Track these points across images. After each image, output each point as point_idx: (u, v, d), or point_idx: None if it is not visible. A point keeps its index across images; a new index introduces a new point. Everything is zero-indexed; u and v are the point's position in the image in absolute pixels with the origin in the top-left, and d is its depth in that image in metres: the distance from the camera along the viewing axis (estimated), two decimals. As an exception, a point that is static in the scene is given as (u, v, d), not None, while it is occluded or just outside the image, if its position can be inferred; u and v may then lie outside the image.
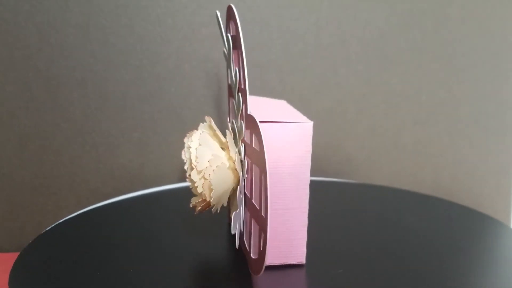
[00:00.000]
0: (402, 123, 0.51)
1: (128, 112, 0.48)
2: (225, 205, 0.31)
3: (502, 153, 0.53)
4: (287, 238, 0.30)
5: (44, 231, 0.37)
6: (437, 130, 0.52)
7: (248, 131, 0.29)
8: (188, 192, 0.44)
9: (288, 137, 0.29)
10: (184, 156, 0.30)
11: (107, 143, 0.48)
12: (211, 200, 0.29)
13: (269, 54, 0.48)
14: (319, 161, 0.51)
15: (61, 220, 0.39)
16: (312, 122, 0.29)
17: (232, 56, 0.30)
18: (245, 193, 0.30)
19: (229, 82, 0.32)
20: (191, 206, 0.30)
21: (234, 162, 0.29)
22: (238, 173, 0.29)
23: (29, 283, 0.30)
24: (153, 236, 0.36)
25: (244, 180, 0.29)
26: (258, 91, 0.48)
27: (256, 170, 0.29)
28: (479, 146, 0.53)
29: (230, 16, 0.31)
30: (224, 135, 0.37)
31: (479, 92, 0.52)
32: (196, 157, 0.29)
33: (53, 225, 0.38)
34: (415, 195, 0.44)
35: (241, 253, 0.33)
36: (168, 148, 0.49)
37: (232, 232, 0.27)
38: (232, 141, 0.30)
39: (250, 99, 0.35)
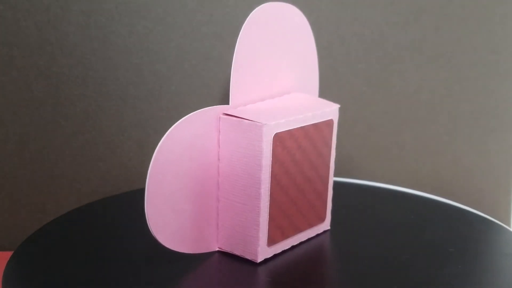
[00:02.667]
0: (402, 121, 0.52)
1: (128, 111, 0.48)
2: None
3: (502, 152, 0.53)
4: (241, 231, 0.32)
5: (37, 229, 0.37)
6: (437, 128, 0.52)
7: None
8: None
9: (242, 133, 0.30)
10: None
11: (107, 141, 0.48)
12: None
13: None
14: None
15: (57, 217, 0.39)
16: (265, 124, 0.30)
17: None
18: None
19: None
20: None
21: None
22: None
23: (23, 282, 0.30)
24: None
25: None
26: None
27: None
28: (479, 144, 0.53)
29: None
30: None
31: (479, 90, 0.52)
32: None
33: (46, 223, 0.38)
34: (414, 197, 0.44)
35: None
36: (168, 146, 0.49)
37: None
38: None
39: (292, 96, 0.36)
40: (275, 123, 0.30)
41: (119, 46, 0.47)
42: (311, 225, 0.35)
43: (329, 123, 0.34)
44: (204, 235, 0.32)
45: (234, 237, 0.32)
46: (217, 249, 0.33)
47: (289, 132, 0.31)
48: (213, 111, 0.31)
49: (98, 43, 0.46)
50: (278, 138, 0.31)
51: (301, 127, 0.32)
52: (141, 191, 0.45)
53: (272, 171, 0.31)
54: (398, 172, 0.53)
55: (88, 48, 0.46)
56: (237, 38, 0.31)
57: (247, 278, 0.31)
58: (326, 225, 0.36)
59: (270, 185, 0.31)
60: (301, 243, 0.34)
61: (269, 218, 0.31)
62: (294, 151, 0.32)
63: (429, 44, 0.50)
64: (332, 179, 0.36)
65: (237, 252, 0.32)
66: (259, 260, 0.31)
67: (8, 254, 0.44)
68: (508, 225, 0.56)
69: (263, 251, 0.31)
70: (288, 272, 0.31)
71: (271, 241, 0.32)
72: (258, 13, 0.32)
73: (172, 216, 0.30)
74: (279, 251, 0.33)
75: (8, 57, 0.46)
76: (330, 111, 0.34)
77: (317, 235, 0.36)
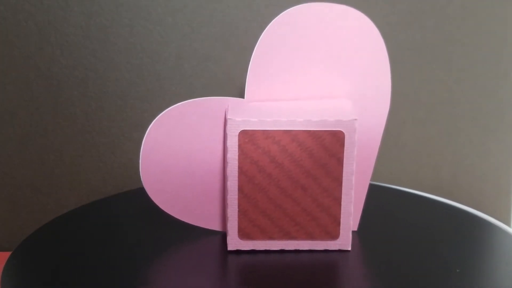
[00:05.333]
0: (402, 122, 0.52)
1: (128, 111, 0.48)
2: None
3: (502, 152, 0.53)
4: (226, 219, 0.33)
5: (37, 229, 0.37)
6: (437, 129, 0.52)
7: None
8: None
9: (228, 131, 0.32)
10: None
11: (108, 142, 0.48)
12: None
13: (269, 53, 0.48)
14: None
15: (57, 217, 0.39)
16: (229, 118, 0.31)
17: None
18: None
19: None
20: None
21: None
22: None
23: (22, 282, 0.30)
24: (151, 231, 0.36)
25: None
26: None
27: None
28: (479, 144, 0.53)
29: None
30: None
31: (479, 91, 0.52)
32: None
33: (46, 222, 0.38)
34: (414, 197, 0.44)
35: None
36: (168, 147, 0.49)
37: None
38: None
39: (323, 101, 0.35)
40: (242, 120, 0.31)
41: (119, 46, 0.47)
42: (312, 237, 0.33)
43: (337, 134, 0.31)
44: (210, 213, 0.35)
45: (225, 223, 0.34)
46: (222, 230, 0.35)
47: (265, 132, 0.31)
48: (224, 101, 0.33)
49: (98, 43, 0.46)
50: (248, 136, 0.31)
51: (285, 130, 0.31)
52: (141, 191, 0.45)
53: (241, 167, 0.32)
54: (398, 173, 0.53)
55: (88, 49, 0.46)
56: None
57: (208, 262, 0.32)
58: (342, 244, 0.33)
59: (239, 179, 0.32)
60: (299, 251, 0.33)
61: (239, 211, 0.32)
62: (275, 153, 0.31)
63: (429, 44, 0.50)
64: (349, 196, 0.33)
65: (227, 237, 0.34)
66: (229, 249, 0.33)
67: (7, 254, 0.44)
68: (509, 225, 0.56)
69: (234, 242, 0.33)
70: (253, 267, 0.32)
71: (245, 235, 0.33)
72: (291, 12, 0.32)
73: (169, 184, 0.33)
74: (260, 248, 0.33)
75: (8, 57, 0.46)
76: (335, 121, 0.31)
77: (327, 250, 0.33)
